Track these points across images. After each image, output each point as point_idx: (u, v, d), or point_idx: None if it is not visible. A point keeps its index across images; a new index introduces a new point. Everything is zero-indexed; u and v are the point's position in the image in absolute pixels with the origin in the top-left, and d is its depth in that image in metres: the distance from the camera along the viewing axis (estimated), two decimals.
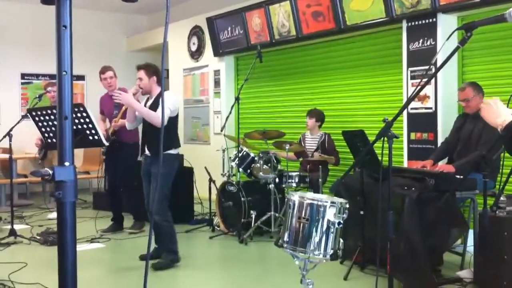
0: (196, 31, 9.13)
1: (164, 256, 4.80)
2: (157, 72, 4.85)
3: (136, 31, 10.81)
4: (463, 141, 4.77)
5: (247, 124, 8.18)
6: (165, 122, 4.58)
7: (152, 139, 4.78)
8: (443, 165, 4.67)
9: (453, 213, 4.19)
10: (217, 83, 8.80)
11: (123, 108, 5.15)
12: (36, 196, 8.99)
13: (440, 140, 5.49)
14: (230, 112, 6.61)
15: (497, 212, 3.73)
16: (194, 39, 9.20)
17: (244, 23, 7.76)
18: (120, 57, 10.53)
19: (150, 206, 4.80)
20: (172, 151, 4.82)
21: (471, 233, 4.53)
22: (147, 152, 4.83)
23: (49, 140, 4.26)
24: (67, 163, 1.28)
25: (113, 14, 10.49)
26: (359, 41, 6.72)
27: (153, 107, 4.75)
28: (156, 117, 4.60)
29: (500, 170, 4.25)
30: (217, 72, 8.79)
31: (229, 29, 8.12)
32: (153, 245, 4.98)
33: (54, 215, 6.99)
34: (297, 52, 7.61)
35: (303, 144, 6.51)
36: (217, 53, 8.55)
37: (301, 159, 6.63)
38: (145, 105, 4.83)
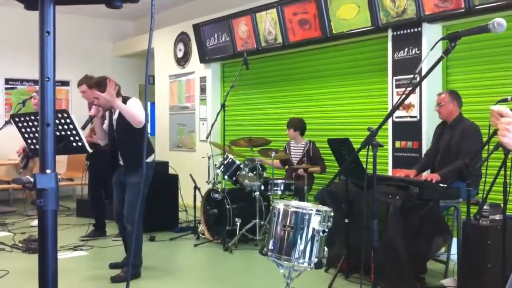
0: (182, 38, 9.12)
1: (126, 270, 4.64)
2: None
3: (122, 36, 10.78)
4: (442, 151, 4.81)
5: (233, 132, 8.17)
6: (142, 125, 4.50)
7: (126, 150, 4.66)
8: (428, 175, 4.70)
9: (437, 222, 4.21)
10: (203, 90, 8.79)
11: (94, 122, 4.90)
12: (19, 202, 8.88)
13: (425, 148, 5.53)
14: (216, 119, 6.60)
15: (480, 220, 3.76)
16: (181, 46, 9.19)
17: (230, 30, 7.77)
18: (106, 63, 10.48)
19: (125, 216, 4.60)
20: (147, 159, 4.75)
21: (454, 241, 4.55)
22: (121, 163, 4.71)
23: (32, 147, 4.22)
24: (48, 171, 1.26)
25: (99, 20, 10.45)
26: (345, 49, 6.76)
27: (121, 120, 4.58)
28: (137, 115, 4.45)
29: (483, 179, 4.29)
30: (203, 79, 8.78)
31: (216, 36, 8.12)
32: (124, 254, 4.98)
33: (36, 222, 6.90)
34: (283, 60, 7.63)
35: (288, 152, 6.52)
36: (203, 59, 8.55)
37: (286, 167, 6.64)
38: (110, 119, 4.73)
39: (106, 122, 4.84)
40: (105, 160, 5.83)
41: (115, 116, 4.68)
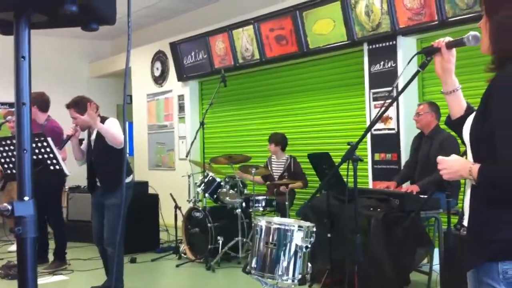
0: (159, 56, 9.11)
1: None
2: (87, 106, 4.55)
3: (99, 56, 10.72)
4: (421, 163, 4.85)
5: (213, 149, 8.14)
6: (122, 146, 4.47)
7: (104, 170, 4.59)
8: (408, 186, 4.73)
9: (418, 233, 4.24)
10: (181, 108, 8.76)
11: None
12: None
13: (404, 160, 5.57)
14: (195, 137, 6.57)
15: (461, 230, 3.79)
16: (158, 64, 9.17)
17: (208, 47, 7.78)
18: (82, 84, 10.39)
19: (106, 238, 4.53)
20: (126, 180, 4.68)
21: (436, 251, 4.57)
22: (98, 184, 4.64)
23: (8, 171, 4.15)
24: (26, 198, 1.23)
25: (74, 40, 10.38)
26: (322, 64, 6.81)
27: (99, 141, 4.54)
28: (117, 136, 4.42)
29: (462, 188, 4.32)
30: (181, 97, 8.76)
31: (193, 53, 8.13)
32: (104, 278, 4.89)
33: (14, 247, 6.77)
34: (261, 76, 7.66)
35: (269, 168, 6.52)
36: (181, 77, 8.54)
37: (268, 182, 6.63)
38: (89, 139, 4.69)
39: (85, 142, 4.79)
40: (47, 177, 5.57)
41: (93, 137, 4.63)
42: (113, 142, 4.42)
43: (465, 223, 1.90)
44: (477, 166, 1.79)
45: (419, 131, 5.14)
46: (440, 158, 1.93)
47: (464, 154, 3.46)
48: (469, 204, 1.87)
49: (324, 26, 6.17)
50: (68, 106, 4.71)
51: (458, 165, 1.87)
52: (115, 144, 4.43)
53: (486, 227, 1.78)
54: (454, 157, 1.92)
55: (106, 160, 4.53)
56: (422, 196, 4.35)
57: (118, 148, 4.45)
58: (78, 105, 4.65)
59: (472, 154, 1.87)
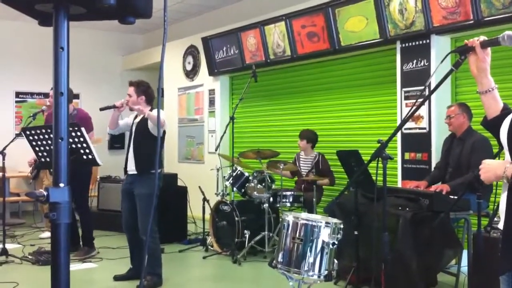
0: (191, 51, 9.18)
1: (149, 279, 4.66)
2: (146, 91, 4.81)
3: (132, 50, 10.85)
4: (453, 165, 4.78)
5: (242, 143, 8.18)
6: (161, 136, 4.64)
7: (141, 158, 4.69)
8: (439, 185, 4.68)
9: (447, 234, 4.19)
10: (212, 102, 8.82)
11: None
12: (28, 215, 8.92)
13: (434, 160, 5.51)
14: (225, 131, 6.61)
15: (491, 232, 3.74)
16: (190, 59, 9.24)
17: (239, 43, 7.81)
18: (115, 76, 10.55)
19: (140, 228, 4.60)
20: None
21: (465, 253, 4.52)
22: (131, 170, 4.72)
23: (42, 159, 4.25)
24: (62, 184, 1.27)
25: (108, 33, 10.53)
26: (354, 61, 6.77)
27: (141, 124, 4.70)
28: (162, 121, 4.60)
29: (494, 190, 4.26)
30: (212, 92, 8.81)
31: (224, 49, 8.17)
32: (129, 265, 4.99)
33: (46, 234, 6.93)
34: (292, 72, 7.65)
35: (297, 164, 6.52)
36: (212, 72, 8.59)
37: (295, 178, 6.63)
38: (133, 123, 4.83)
39: (126, 119, 4.93)
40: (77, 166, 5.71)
41: (137, 120, 4.75)
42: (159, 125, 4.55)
43: (500, 226, 1.87)
44: None
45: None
46: (483, 161, 1.93)
47: (497, 155, 3.42)
48: (505, 206, 1.84)
49: (357, 24, 6.13)
50: (131, 83, 4.88)
51: (495, 164, 1.86)
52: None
53: None
54: (495, 160, 1.93)
55: (144, 145, 4.66)
56: (452, 197, 4.30)
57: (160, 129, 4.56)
58: (139, 86, 4.82)
59: (510, 155, 1.84)
